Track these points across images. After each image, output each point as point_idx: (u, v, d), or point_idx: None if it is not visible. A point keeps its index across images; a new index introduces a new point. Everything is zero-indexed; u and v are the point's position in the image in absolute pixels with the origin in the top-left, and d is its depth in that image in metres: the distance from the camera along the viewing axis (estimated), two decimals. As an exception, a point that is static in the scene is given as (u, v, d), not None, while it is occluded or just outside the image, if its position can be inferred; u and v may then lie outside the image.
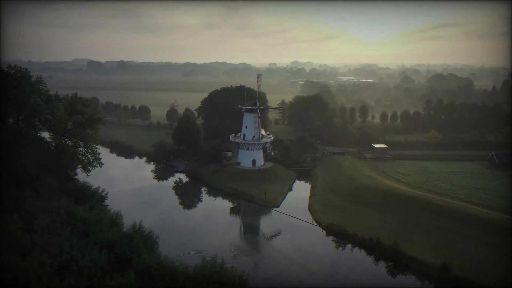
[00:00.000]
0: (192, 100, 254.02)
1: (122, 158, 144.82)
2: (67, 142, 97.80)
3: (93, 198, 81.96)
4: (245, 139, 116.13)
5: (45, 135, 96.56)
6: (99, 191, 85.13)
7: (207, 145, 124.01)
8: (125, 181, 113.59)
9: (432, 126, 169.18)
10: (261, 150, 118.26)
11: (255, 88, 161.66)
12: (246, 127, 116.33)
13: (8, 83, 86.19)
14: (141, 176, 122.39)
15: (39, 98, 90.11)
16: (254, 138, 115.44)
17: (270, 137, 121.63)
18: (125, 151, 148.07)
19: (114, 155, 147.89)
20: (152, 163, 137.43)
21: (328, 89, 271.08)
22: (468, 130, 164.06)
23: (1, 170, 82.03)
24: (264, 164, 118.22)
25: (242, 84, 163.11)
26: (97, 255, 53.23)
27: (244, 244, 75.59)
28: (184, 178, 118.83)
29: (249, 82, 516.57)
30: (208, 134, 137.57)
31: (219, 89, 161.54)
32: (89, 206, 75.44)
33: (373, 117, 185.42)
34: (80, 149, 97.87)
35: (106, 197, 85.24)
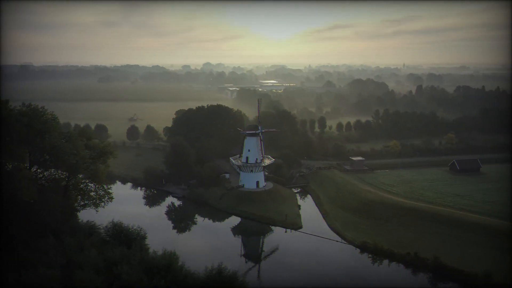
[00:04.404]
0: (141, 112, 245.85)
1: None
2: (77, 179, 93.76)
3: (135, 239, 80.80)
4: (249, 162, 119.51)
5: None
6: (137, 230, 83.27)
7: (206, 168, 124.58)
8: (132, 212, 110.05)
9: (383, 135, 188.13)
10: (263, 172, 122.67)
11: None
12: (249, 151, 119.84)
13: (32, 126, 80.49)
14: (139, 204, 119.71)
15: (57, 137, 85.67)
16: (258, 161, 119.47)
17: (272, 159, 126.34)
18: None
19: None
20: (139, 188, 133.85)
21: (270, 98, 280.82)
22: (411, 137, 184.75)
23: (36, 219, 76.86)
24: (265, 185, 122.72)
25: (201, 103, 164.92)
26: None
27: (310, 274, 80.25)
28: (188, 204, 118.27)
29: (172, 87, 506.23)
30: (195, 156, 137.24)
31: (193, 108, 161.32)
32: (138, 248, 75.33)
33: (330, 127, 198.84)
34: (90, 185, 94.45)
35: (146, 236, 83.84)
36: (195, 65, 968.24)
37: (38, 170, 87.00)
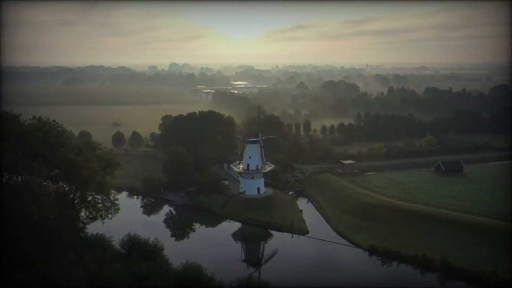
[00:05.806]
0: (120, 116, 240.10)
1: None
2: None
3: (153, 251, 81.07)
4: (250, 168, 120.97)
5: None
6: (155, 242, 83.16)
7: (205, 175, 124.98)
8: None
9: (366, 137, 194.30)
10: (263, 178, 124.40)
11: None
12: (250, 157, 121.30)
13: (47, 140, 79.30)
14: (140, 213, 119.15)
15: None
16: (259, 167, 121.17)
17: (271, 165, 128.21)
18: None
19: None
20: (137, 197, 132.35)
21: (249, 101, 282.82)
22: (392, 139, 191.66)
23: (52, 235, 75.68)
24: (266, 191, 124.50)
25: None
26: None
27: (324, 277, 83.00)
28: (190, 212, 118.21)
29: (142, 89, 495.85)
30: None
31: (185, 114, 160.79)
32: (162, 261, 76.26)
33: (314, 130, 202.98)
34: (97, 196, 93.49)
35: (163, 248, 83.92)
36: (161, 66, 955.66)
37: (49, 184, 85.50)
